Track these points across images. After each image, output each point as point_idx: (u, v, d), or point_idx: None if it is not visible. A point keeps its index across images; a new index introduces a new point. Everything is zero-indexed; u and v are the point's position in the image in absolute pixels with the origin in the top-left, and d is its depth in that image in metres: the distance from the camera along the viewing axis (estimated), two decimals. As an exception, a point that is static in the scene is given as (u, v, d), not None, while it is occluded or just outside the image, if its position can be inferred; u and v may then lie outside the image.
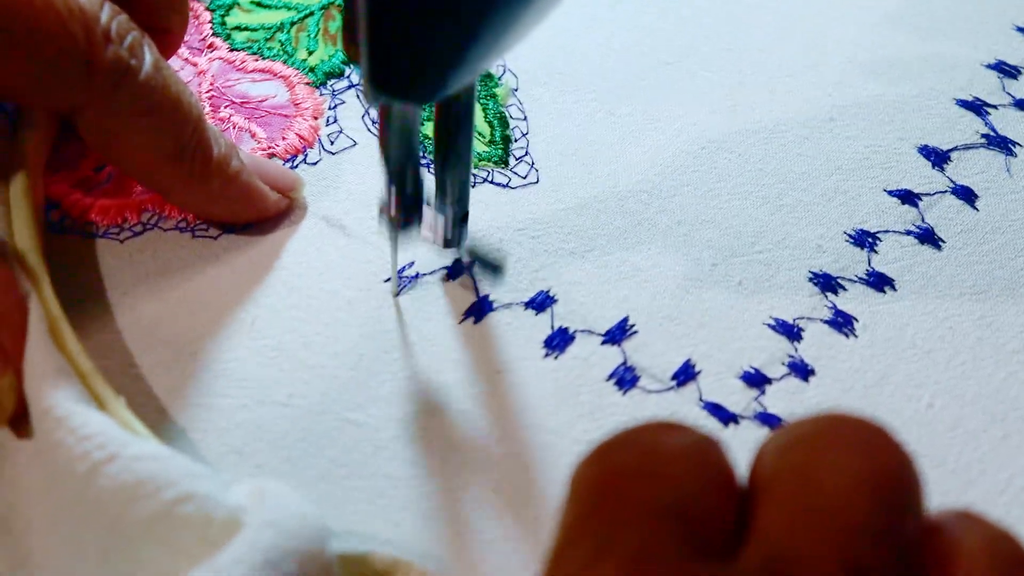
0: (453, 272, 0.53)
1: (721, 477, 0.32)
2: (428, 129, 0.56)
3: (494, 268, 0.52)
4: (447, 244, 0.51)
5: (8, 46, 0.44)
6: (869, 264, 0.54)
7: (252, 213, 0.54)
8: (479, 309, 0.52)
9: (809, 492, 0.31)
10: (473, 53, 0.42)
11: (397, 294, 0.52)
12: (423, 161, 0.56)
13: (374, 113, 0.59)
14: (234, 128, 0.57)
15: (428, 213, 0.50)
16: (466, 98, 0.47)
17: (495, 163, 0.57)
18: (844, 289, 0.53)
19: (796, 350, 0.51)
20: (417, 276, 0.53)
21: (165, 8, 0.52)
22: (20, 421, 0.45)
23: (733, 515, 0.32)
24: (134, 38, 0.48)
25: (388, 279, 0.53)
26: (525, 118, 0.60)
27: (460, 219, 0.51)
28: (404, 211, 0.49)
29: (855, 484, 0.30)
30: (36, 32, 0.44)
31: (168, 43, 0.53)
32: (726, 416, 0.49)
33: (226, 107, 0.58)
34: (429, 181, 0.49)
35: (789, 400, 0.50)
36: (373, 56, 0.41)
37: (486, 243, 0.53)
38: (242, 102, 0.59)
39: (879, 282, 0.54)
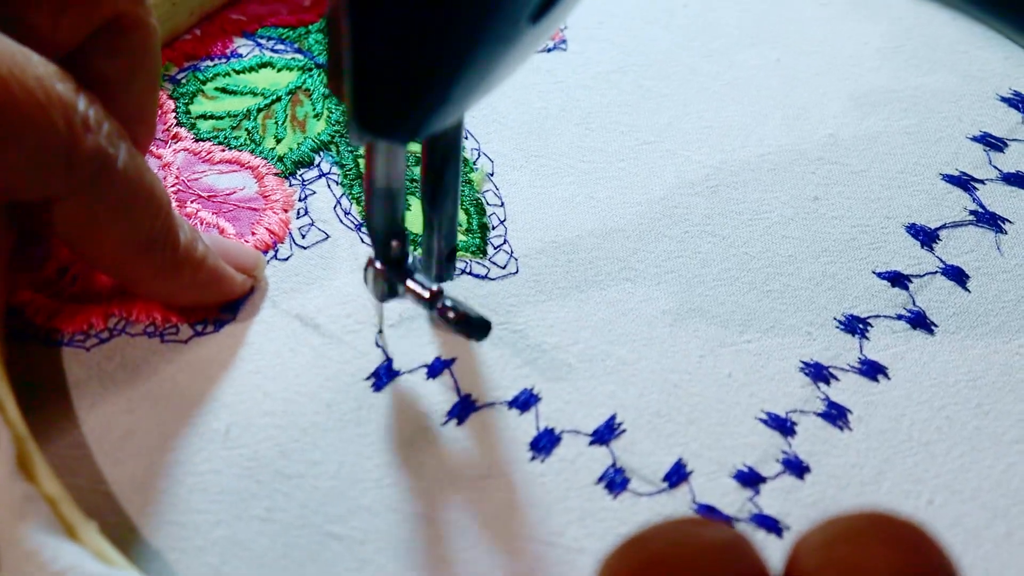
0: (433, 371, 0.51)
1: (755, 572, 0.32)
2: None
3: (480, 326, 0.50)
4: (439, 279, 0.51)
5: None
6: (861, 351, 0.53)
7: (219, 297, 0.53)
8: (462, 409, 0.50)
9: None
10: (457, 90, 0.42)
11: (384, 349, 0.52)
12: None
13: (346, 203, 0.57)
14: (201, 224, 0.56)
15: (412, 281, 0.49)
16: (453, 134, 0.47)
17: (472, 253, 0.56)
18: (836, 379, 0.52)
19: (790, 446, 0.50)
20: (397, 374, 0.51)
21: (132, 120, 0.50)
22: (-13, 555, 0.43)
23: None
24: (110, 126, 0.47)
25: (378, 343, 0.53)
26: (502, 204, 0.58)
27: (448, 255, 0.51)
28: (389, 276, 0.49)
29: None
30: (16, 120, 0.43)
31: None
32: (721, 518, 0.47)
33: (192, 202, 0.56)
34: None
35: (784, 500, 0.48)
36: (358, 94, 0.41)
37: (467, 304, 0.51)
38: (209, 195, 0.57)
39: (872, 371, 0.52)
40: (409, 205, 0.56)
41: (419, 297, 0.49)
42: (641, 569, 0.32)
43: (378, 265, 0.49)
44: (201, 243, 0.51)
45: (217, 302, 0.53)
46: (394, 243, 0.48)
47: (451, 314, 0.49)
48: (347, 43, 0.40)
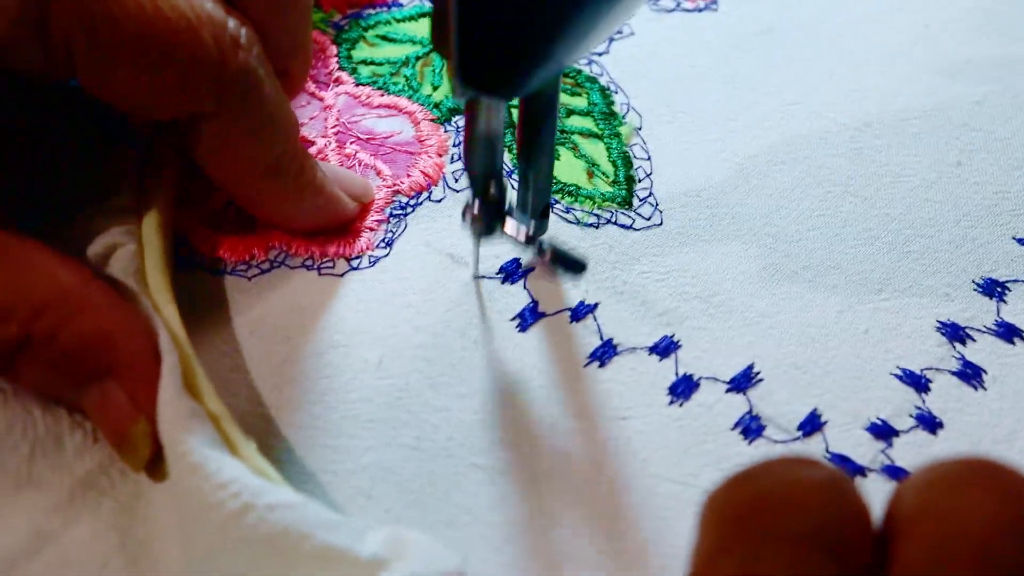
0: (576, 314, 0.53)
1: (858, 511, 0.33)
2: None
3: (575, 266, 0.51)
4: (529, 240, 0.52)
5: (142, 54, 0.45)
6: (998, 314, 0.54)
7: (334, 221, 0.55)
8: (603, 353, 0.52)
9: (954, 533, 0.31)
10: (560, 47, 0.43)
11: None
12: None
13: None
14: (359, 165, 0.58)
15: (510, 221, 0.51)
16: (550, 92, 0.48)
17: (619, 204, 0.57)
18: (972, 340, 0.53)
19: (924, 402, 0.51)
20: (542, 315, 0.53)
21: (288, 49, 0.52)
22: (155, 464, 0.45)
23: (870, 549, 0.32)
24: (259, 48, 0.49)
25: (480, 276, 0.54)
26: (649, 158, 0.59)
27: (541, 212, 0.52)
28: (487, 217, 0.50)
29: (999, 527, 0.31)
30: (168, 40, 0.45)
31: (288, 87, 0.53)
32: (854, 468, 0.49)
33: (352, 143, 0.59)
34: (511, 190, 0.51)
35: (916, 453, 0.49)
36: (463, 51, 0.42)
37: (566, 244, 0.52)
38: (367, 138, 0.59)
39: (1008, 333, 0.53)
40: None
41: (515, 238, 0.51)
42: (746, 504, 0.33)
43: (476, 208, 0.50)
44: (319, 169, 0.53)
45: (330, 226, 0.55)
46: (492, 186, 0.49)
47: (548, 254, 0.50)
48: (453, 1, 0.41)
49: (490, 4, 0.41)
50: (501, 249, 0.55)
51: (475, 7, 0.41)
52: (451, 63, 0.43)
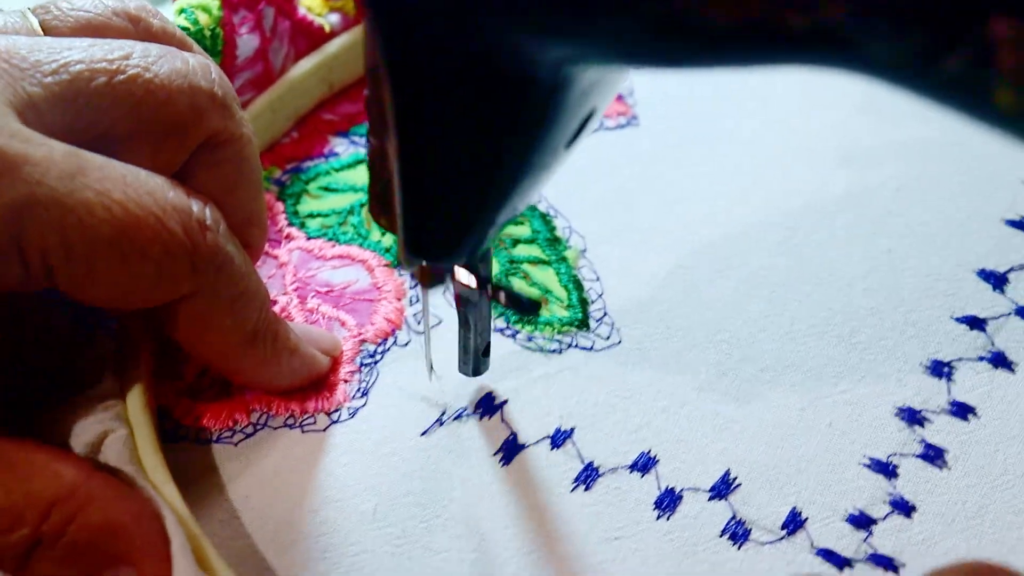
0: (555, 441, 0.55)
1: None
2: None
3: (530, 306, 0.50)
4: (475, 373, 0.56)
5: (121, 257, 0.46)
6: (949, 394, 0.56)
7: (309, 378, 0.57)
8: (587, 476, 0.54)
9: None
10: (503, 214, 0.45)
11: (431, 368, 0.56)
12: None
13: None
14: (324, 318, 0.59)
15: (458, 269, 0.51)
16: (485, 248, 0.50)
17: (577, 327, 0.59)
18: (930, 421, 0.55)
19: (895, 487, 0.53)
20: (523, 447, 0.55)
21: (245, 220, 0.54)
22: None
23: None
24: (224, 225, 0.51)
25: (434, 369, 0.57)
26: (598, 278, 0.62)
27: (484, 350, 0.55)
28: (435, 271, 0.51)
29: None
30: (140, 237, 0.46)
31: (250, 256, 0.54)
32: (840, 561, 0.51)
33: (312, 297, 0.60)
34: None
35: (896, 538, 0.51)
36: (409, 224, 0.45)
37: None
38: (327, 290, 0.61)
39: (962, 411, 0.56)
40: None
41: (466, 286, 0.51)
42: None
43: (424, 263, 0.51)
44: (292, 331, 0.55)
45: (304, 384, 0.57)
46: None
47: (502, 295, 0.51)
48: (399, 179, 0.43)
49: (438, 183, 0.43)
50: (474, 387, 0.57)
51: (422, 187, 0.43)
52: (398, 235, 0.45)
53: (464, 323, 0.54)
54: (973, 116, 0.31)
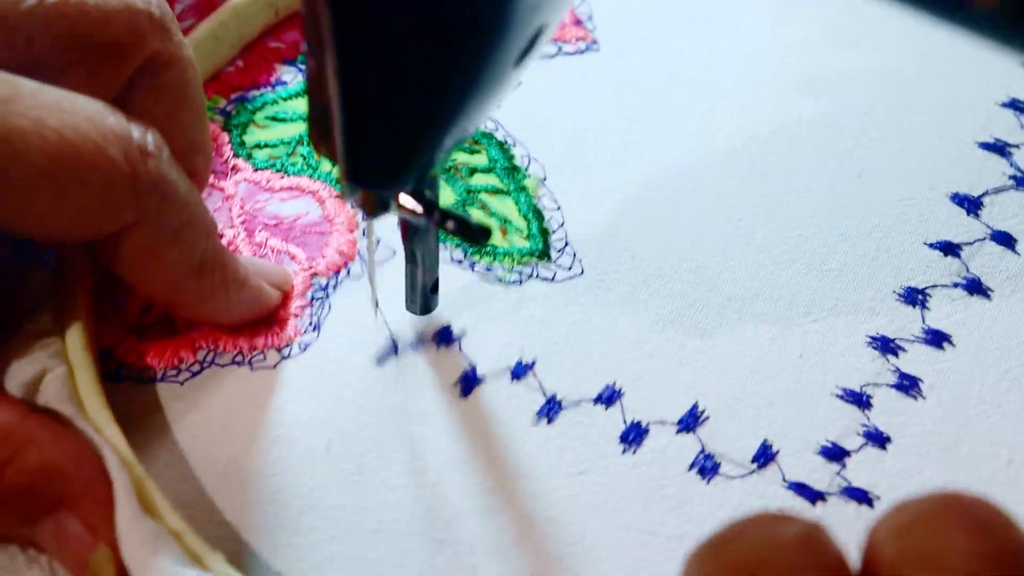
0: (516, 373, 0.53)
1: (835, 564, 0.33)
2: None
3: (479, 232, 0.46)
4: (424, 311, 0.54)
5: (58, 187, 0.44)
6: (923, 322, 0.55)
7: (259, 312, 0.54)
8: (549, 409, 0.52)
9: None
10: (449, 138, 0.44)
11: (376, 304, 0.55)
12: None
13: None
14: (272, 251, 0.57)
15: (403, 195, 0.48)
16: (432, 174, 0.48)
17: (538, 258, 0.57)
18: (904, 350, 0.54)
19: (868, 419, 0.52)
20: (482, 379, 0.53)
21: (188, 147, 0.52)
22: (125, 592, 0.44)
23: None
24: (168, 152, 0.48)
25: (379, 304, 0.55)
26: (559, 208, 0.59)
27: (432, 287, 0.53)
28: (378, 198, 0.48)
29: (981, 563, 0.31)
30: (78, 164, 0.44)
31: (195, 184, 0.52)
32: (813, 494, 0.49)
33: (261, 230, 0.58)
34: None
35: (871, 471, 0.50)
36: (350, 150, 0.43)
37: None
38: (276, 223, 0.58)
39: (937, 339, 0.54)
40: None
41: (411, 211, 0.48)
42: (726, 574, 0.33)
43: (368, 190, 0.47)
44: (240, 263, 0.53)
45: (255, 318, 0.54)
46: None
47: (450, 223, 0.47)
48: (338, 100, 0.41)
49: (379, 103, 0.41)
50: (430, 319, 0.55)
51: (363, 108, 0.41)
52: (338, 163, 0.43)
53: (411, 258, 0.52)
54: (952, 18, 0.30)
